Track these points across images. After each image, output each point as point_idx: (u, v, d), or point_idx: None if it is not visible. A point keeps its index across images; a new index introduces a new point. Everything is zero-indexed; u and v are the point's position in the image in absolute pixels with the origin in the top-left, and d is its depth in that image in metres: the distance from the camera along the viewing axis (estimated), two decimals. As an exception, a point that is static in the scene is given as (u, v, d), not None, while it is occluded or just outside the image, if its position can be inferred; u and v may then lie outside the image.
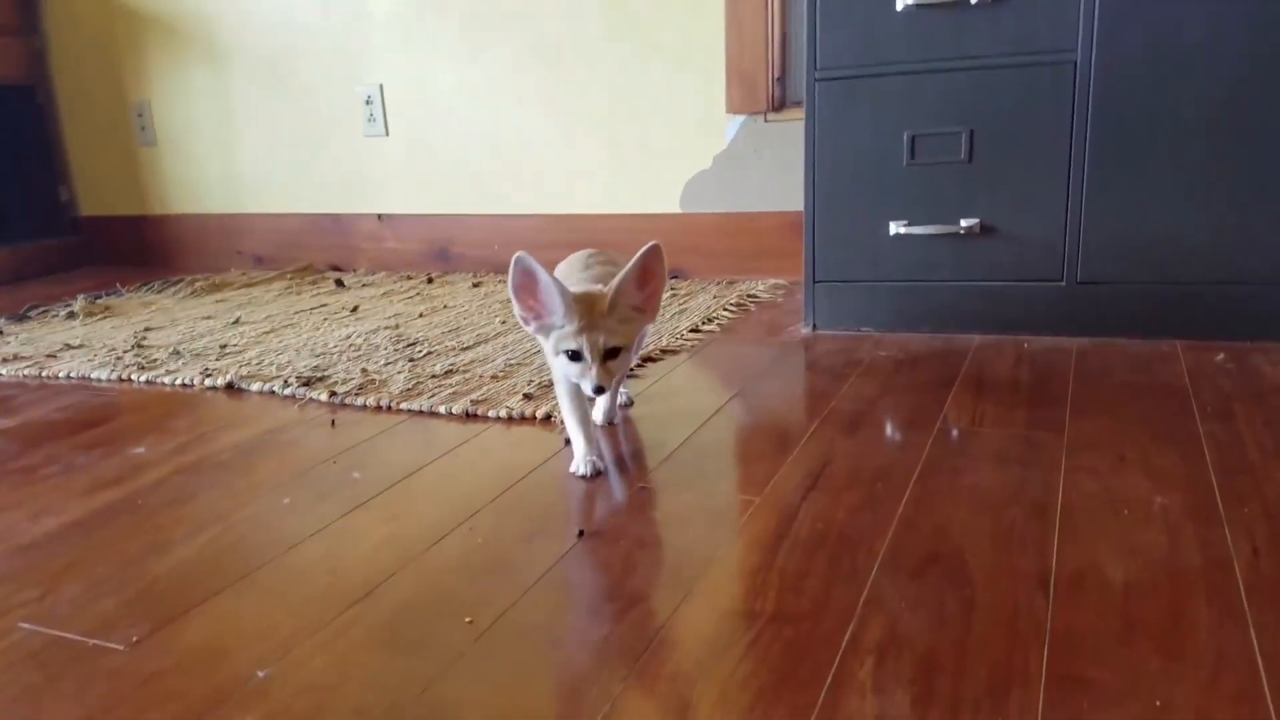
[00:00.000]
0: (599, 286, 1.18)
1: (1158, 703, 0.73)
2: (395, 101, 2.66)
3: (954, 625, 0.84)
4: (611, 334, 1.13)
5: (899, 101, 1.69)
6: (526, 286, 1.14)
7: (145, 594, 0.98)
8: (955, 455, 1.22)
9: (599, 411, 1.39)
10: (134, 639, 0.89)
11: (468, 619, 0.89)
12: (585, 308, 1.13)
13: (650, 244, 1.12)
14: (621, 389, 1.47)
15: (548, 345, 1.18)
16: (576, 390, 1.22)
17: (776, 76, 2.29)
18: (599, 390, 1.14)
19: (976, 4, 1.59)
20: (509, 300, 1.18)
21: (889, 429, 1.33)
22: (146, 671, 0.84)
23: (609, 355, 1.14)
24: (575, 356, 1.14)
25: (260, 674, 0.82)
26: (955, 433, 1.29)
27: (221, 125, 2.91)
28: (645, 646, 0.83)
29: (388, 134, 2.68)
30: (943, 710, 0.73)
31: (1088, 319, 1.67)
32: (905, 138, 1.70)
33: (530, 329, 1.18)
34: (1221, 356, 1.53)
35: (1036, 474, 1.14)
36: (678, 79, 2.36)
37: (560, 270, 1.34)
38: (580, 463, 1.22)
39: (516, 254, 1.12)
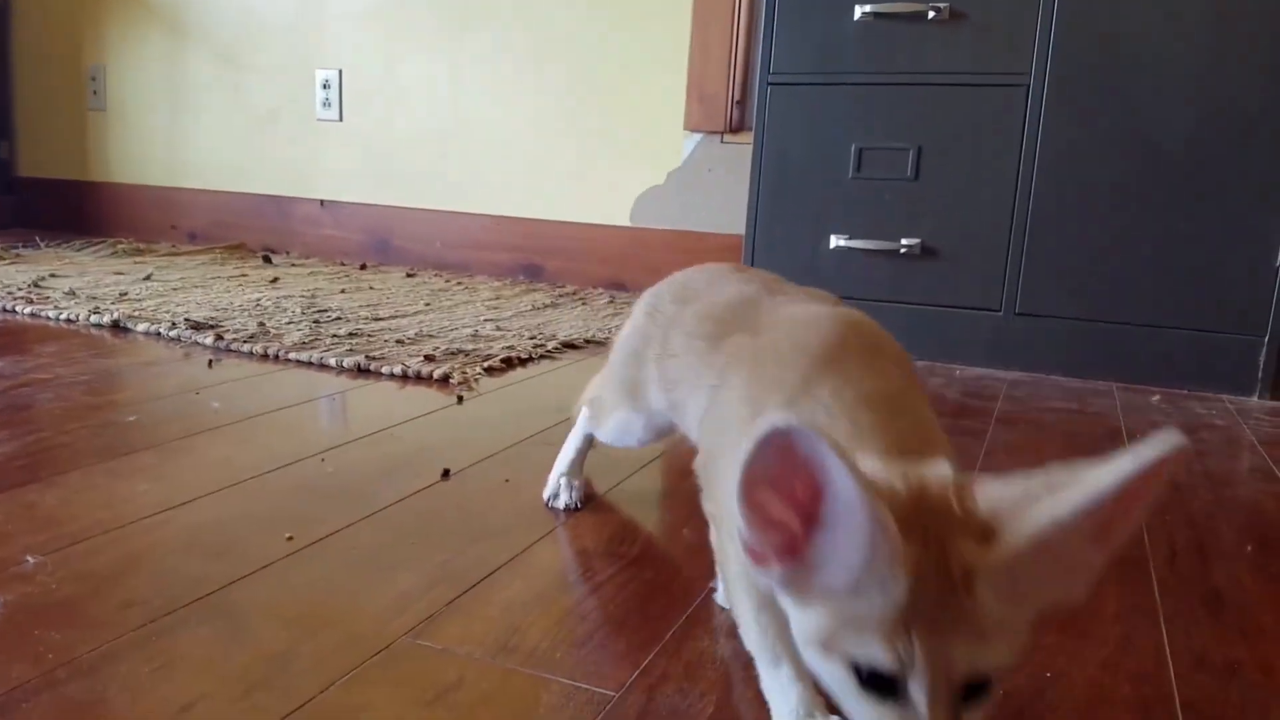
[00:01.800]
0: (948, 482, 0.44)
1: (1048, 674, 0.64)
2: (353, 88, 2.60)
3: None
4: (987, 639, 0.42)
5: (849, 112, 1.65)
6: (786, 479, 0.42)
7: (-68, 481, 0.86)
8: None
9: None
10: (-103, 518, 0.77)
11: (288, 535, 0.78)
12: (930, 552, 0.42)
13: (1171, 442, 0.40)
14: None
15: (803, 620, 0.46)
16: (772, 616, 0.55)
17: (736, 99, 2.26)
18: None
19: (934, 18, 1.57)
20: (740, 496, 0.42)
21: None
22: (-103, 548, 0.72)
23: (973, 692, 0.43)
24: (885, 687, 0.43)
25: (30, 560, 0.71)
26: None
27: (174, 97, 2.82)
28: (485, 575, 0.73)
29: (341, 119, 2.61)
30: (803, 657, 0.63)
31: (1024, 353, 1.62)
32: (853, 150, 1.66)
33: (768, 575, 0.45)
34: (1157, 398, 1.48)
35: (949, 469, 1.07)
36: (638, 91, 2.33)
37: (687, 280, 0.75)
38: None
39: (772, 422, 0.40)
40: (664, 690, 0.58)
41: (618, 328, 1.81)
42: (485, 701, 0.56)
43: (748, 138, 2.23)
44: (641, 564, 0.77)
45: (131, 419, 1.07)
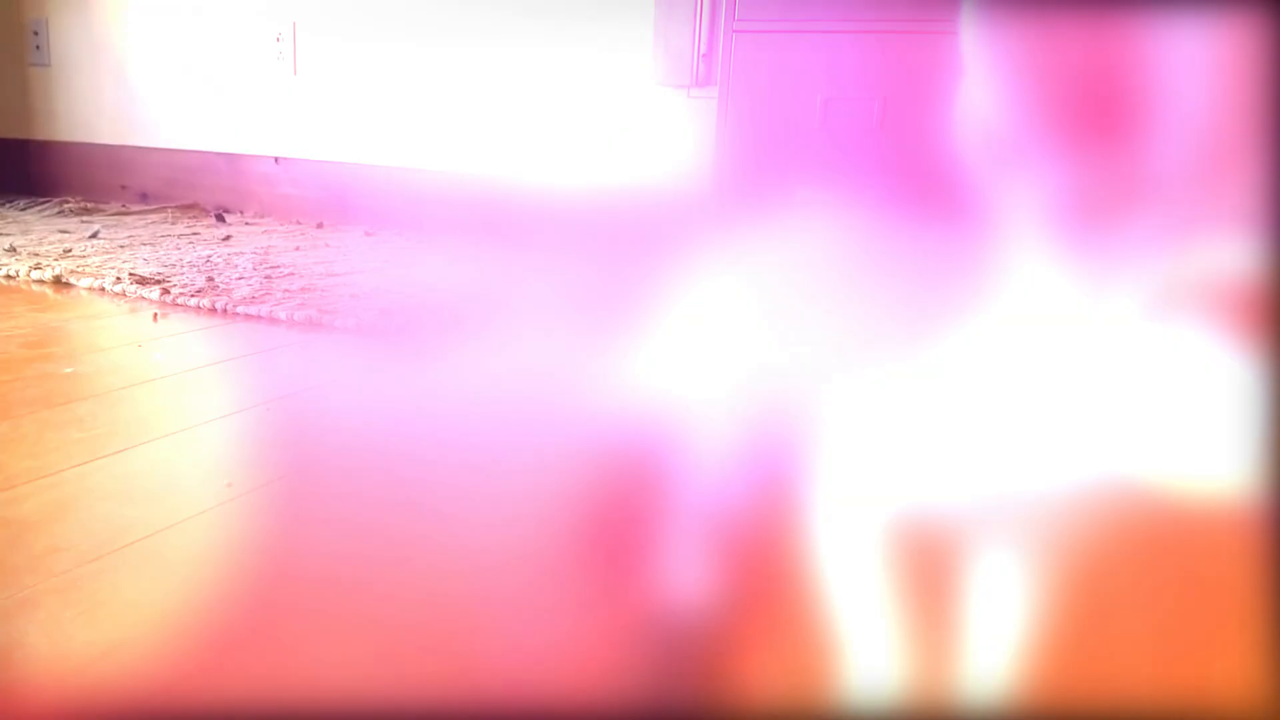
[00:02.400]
0: None
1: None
2: (308, 40, 2.52)
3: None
4: None
5: (815, 62, 1.63)
6: None
7: None
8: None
9: None
10: None
11: (227, 483, 0.75)
12: None
13: None
14: None
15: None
16: None
17: (702, 52, 2.23)
18: None
19: (899, -33, 1.55)
20: None
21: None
22: None
23: None
24: None
25: (-52, 509, 0.68)
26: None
27: (121, 51, 2.72)
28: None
29: (295, 73, 2.54)
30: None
31: (986, 306, 1.62)
32: (818, 101, 1.64)
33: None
34: (1114, 349, 1.49)
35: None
36: (603, 45, 2.28)
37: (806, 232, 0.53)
38: None
39: None
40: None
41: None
42: (423, 640, 0.54)
43: (714, 92, 2.20)
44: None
45: (68, 371, 1.04)
